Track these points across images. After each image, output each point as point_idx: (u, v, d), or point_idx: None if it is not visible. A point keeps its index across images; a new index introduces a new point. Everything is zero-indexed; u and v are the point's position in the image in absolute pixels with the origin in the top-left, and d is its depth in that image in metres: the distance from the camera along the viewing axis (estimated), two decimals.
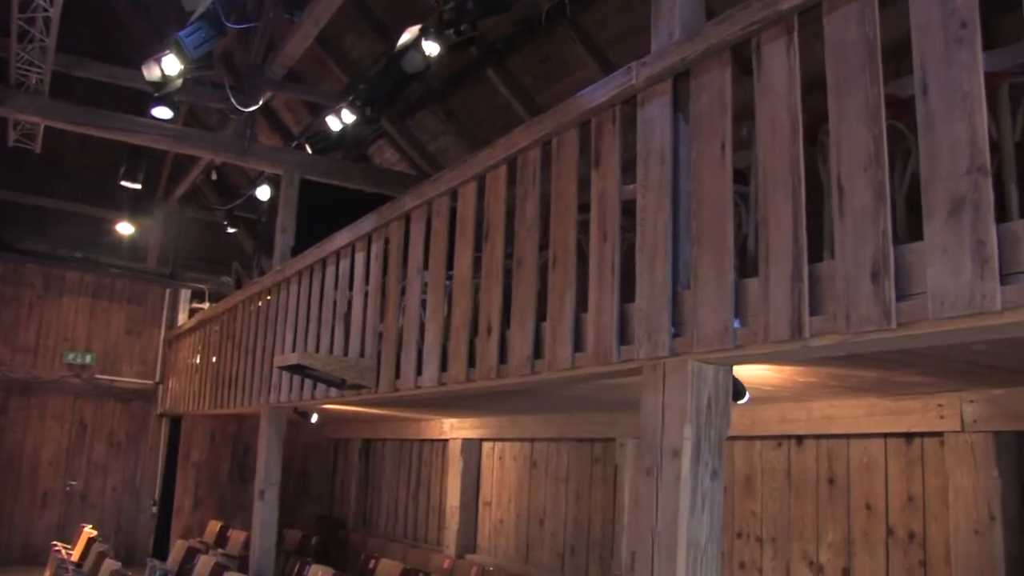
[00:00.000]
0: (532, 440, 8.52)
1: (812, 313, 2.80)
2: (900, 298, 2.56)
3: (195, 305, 12.86)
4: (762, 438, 5.92)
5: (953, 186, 2.44)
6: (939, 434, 4.82)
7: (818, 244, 3.17)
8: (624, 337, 3.57)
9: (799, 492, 5.68)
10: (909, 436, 5.07)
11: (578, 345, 3.84)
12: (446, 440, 9.76)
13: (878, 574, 5.14)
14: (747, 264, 3.55)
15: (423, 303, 5.36)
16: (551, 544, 8.05)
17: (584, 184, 4.01)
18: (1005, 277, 2.34)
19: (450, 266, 5.08)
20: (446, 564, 8.90)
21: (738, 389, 3.64)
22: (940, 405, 4.69)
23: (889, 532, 5.13)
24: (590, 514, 7.60)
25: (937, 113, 2.51)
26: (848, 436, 5.39)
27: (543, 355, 4.09)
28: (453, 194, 5.14)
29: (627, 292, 3.62)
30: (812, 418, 5.38)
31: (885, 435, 5.20)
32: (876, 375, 4.13)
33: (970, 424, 4.59)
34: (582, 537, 7.67)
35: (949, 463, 4.71)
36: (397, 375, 5.54)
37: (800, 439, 5.71)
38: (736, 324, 3.06)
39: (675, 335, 3.30)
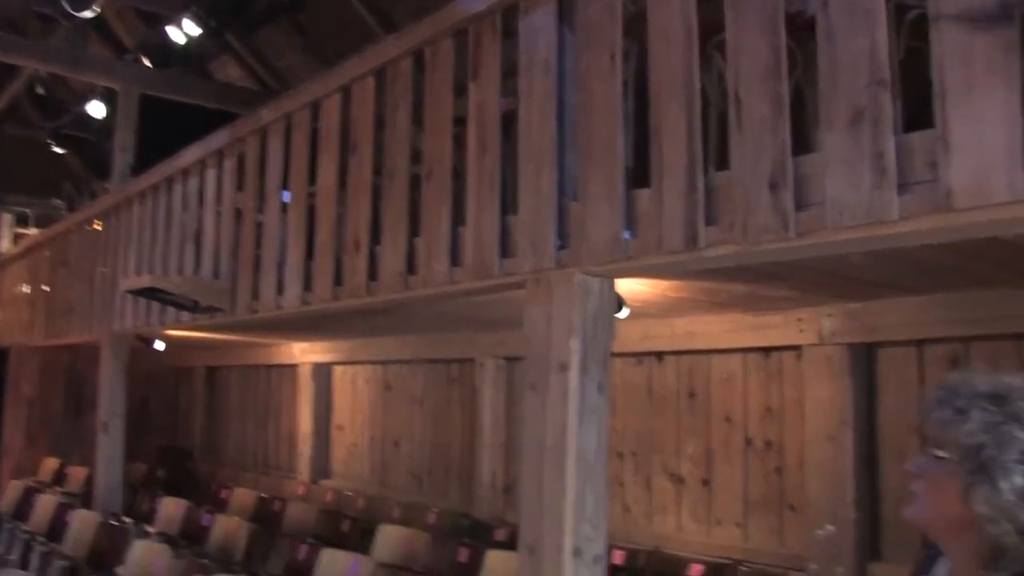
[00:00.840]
0: (386, 363, 8.42)
1: (708, 223, 2.80)
2: (799, 208, 2.58)
3: (19, 231, 12.04)
4: (622, 355, 6.00)
5: (853, 99, 2.46)
6: (797, 348, 5.01)
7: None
8: (506, 250, 3.50)
9: (659, 408, 5.82)
10: (767, 351, 5.25)
11: (455, 260, 3.75)
12: (296, 365, 9.56)
13: (736, 481, 5.36)
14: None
15: (283, 221, 5.14)
16: (408, 466, 8.03)
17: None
18: (902, 187, 2.39)
19: (312, 182, 4.88)
20: (300, 490, 8.78)
21: (618, 302, 3.65)
22: (800, 320, 4.87)
23: (747, 442, 5.33)
24: (448, 435, 7.60)
25: (838, 29, 2.52)
26: (709, 352, 5.53)
27: (417, 271, 4.00)
28: (315, 107, 4.92)
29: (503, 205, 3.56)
30: (675, 334, 5.50)
31: (744, 350, 5.37)
32: (747, 289, 4.23)
33: (828, 337, 4.78)
34: (440, 459, 7.68)
35: (807, 375, 4.91)
36: (255, 296, 5.32)
37: (661, 355, 5.84)
38: (627, 235, 3.04)
39: (561, 247, 3.26)
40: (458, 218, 3.76)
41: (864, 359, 4.78)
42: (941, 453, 1.50)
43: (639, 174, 3.04)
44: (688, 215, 2.83)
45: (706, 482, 5.50)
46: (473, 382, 7.15)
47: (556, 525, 3.11)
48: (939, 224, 2.34)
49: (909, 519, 1.56)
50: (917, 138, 2.40)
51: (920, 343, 4.64)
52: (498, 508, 6.71)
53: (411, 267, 4.04)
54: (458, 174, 3.86)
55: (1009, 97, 2.22)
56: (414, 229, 4.05)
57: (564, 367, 3.20)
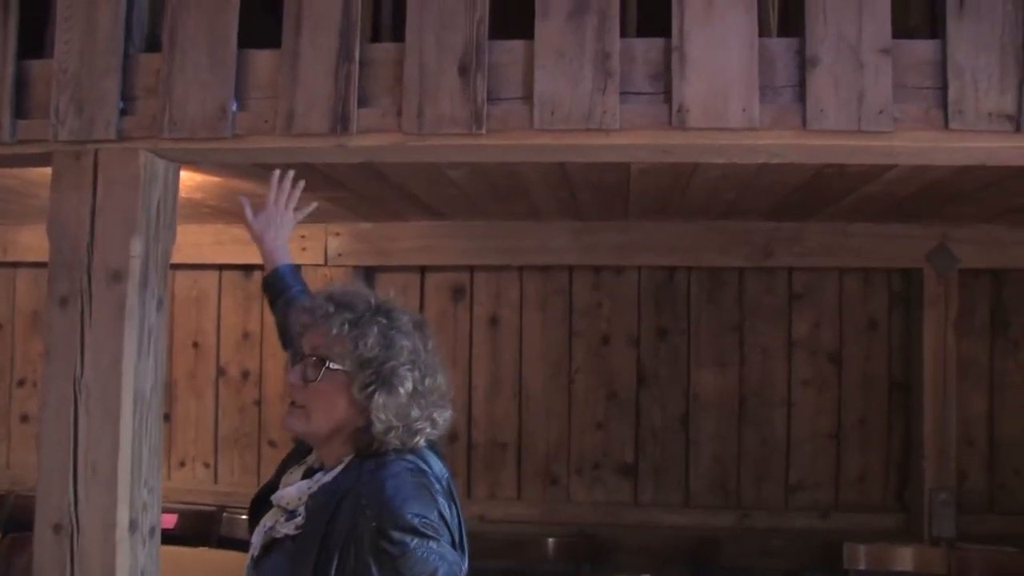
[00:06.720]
0: None
1: (362, 104, 2.20)
2: (492, 100, 2.13)
3: None
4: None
5: None
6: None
7: None
8: (22, 109, 2.47)
9: None
10: (250, 268, 4.64)
11: None
12: None
13: (205, 416, 4.69)
14: None
15: None
16: None
17: None
18: (625, 96, 2.08)
19: None
20: None
21: None
22: (303, 236, 4.35)
23: (220, 372, 4.69)
24: None
25: None
26: (175, 266, 4.73)
27: None
28: None
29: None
30: None
31: (221, 266, 4.70)
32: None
33: (334, 257, 4.36)
34: None
35: None
36: None
37: None
38: (234, 106, 2.29)
39: (124, 112, 2.37)
40: None
41: (365, 283, 4.44)
42: (335, 365, 1.61)
43: (266, 29, 2.30)
44: (339, 90, 2.19)
45: (167, 417, 4.74)
46: None
47: (104, 492, 2.26)
48: (665, 141, 2.07)
49: (293, 430, 1.67)
50: (642, 44, 2.11)
51: (424, 269, 4.46)
52: None
53: None
54: None
55: (748, 18, 2.06)
56: None
57: (118, 277, 2.35)
